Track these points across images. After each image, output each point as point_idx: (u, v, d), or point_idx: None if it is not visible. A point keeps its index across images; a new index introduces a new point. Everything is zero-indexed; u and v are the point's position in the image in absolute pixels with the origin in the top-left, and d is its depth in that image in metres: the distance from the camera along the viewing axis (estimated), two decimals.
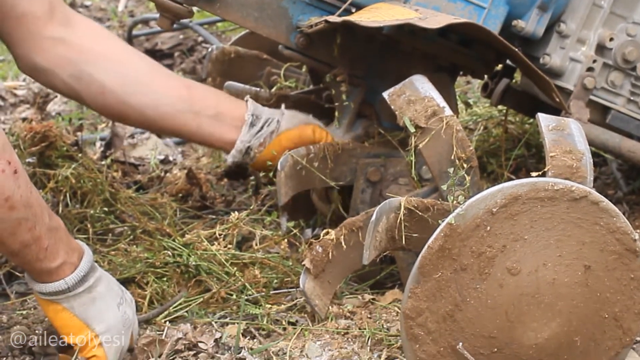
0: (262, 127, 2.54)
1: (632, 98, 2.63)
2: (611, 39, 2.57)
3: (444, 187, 2.05)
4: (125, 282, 2.39)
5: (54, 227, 2.00)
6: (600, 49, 2.58)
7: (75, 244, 2.07)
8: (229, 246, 2.50)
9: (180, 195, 3.07)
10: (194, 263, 2.40)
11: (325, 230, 2.23)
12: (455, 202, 1.96)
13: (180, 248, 2.45)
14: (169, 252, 2.45)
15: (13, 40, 2.42)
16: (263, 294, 2.37)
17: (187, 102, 2.51)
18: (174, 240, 2.50)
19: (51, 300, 2.04)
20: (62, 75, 2.45)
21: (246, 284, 2.38)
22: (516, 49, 2.25)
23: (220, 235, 2.52)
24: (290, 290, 2.43)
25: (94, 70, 2.45)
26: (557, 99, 2.37)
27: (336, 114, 2.64)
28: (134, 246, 2.57)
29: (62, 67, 2.44)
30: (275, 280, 2.43)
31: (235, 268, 2.42)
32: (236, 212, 2.59)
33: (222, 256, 2.44)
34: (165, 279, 2.42)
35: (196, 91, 2.56)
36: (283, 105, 2.61)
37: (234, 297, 2.36)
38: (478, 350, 1.87)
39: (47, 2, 2.40)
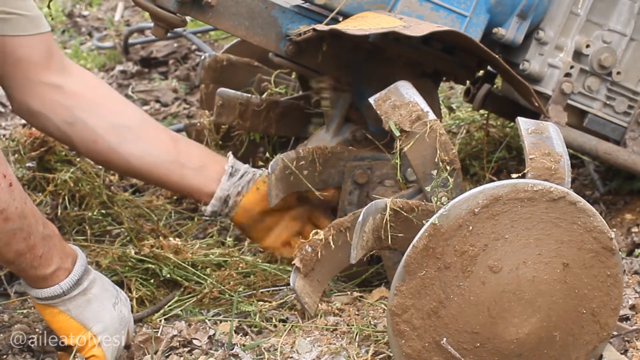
0: (240, 177, 2.61)
1: (607, 102, 2.67)
2: (588, 46, 2.62)
3: (428, 188, 2.07)
4: (121, 283, 2.42)
5: (47, 235, 2.03)
6: (577, 55, 2.63)
7: (69, 250, 2.09)
8: (216, 250, 2.55)
9: (175, 197, 3.09)
10: (168, 275, 2.43)
11: (314, 231, 2.26)
12: (438, 203, 1.98)
13: (150, 260, 2.46)
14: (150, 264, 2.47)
15: (10, 84, 2.47)
16: (255, 292, 2.41)
17: (173, 154, 2.58)
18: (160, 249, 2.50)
19: (47, 304, 2.07)
20: (55, 120, 2.50)
21: (239, 283, 2.42)
22: (497, 56, 2.29)
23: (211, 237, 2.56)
24: (280, 288, 2.46)
25: (87, 116, 2.50)
26: (536, 104, 2.41)
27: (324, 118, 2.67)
28: (128, 250, 2.58)
29: (55, 112, 2.49)
30: (267, 280, 2.47)
31: (226, 271, 2.46)
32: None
33: (216, 259, 2.49)
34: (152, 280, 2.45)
35: (182, 145, 2.63)
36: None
37: (227, 295, 2.39)
38: (462, 346, 1.90)
39: (45, 49, 2.45)
